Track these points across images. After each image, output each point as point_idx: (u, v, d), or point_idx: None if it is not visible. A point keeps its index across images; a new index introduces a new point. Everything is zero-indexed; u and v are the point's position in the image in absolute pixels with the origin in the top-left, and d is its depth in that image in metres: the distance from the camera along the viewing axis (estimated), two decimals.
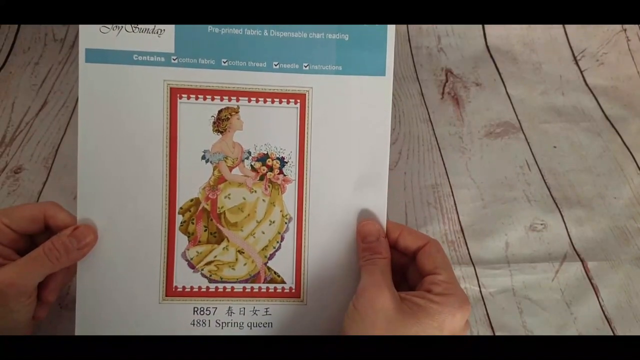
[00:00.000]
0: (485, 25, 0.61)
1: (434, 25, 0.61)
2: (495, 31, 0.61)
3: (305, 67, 0.37)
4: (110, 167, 0.35)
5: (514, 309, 0.42)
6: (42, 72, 0.56)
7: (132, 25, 0.36)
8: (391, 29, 0.38)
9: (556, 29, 0.62)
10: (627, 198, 0.49)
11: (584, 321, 0.41)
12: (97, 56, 0.35)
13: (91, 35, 0.35)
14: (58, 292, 0.36)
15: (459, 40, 0.60)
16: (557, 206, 0.48)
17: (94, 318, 0.35)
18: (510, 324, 0.41)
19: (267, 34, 0.37)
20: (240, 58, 0.37)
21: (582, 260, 0.44)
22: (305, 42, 0.37)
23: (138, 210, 0.36)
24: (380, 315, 0.31)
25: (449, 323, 0.31)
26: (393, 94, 0.55)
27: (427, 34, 0.61)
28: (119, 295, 0.35)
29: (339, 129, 0.37)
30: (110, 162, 0.35)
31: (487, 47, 0.60)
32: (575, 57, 0.60)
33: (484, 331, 0.41)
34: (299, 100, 0.37)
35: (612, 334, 0.41)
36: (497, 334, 0.41)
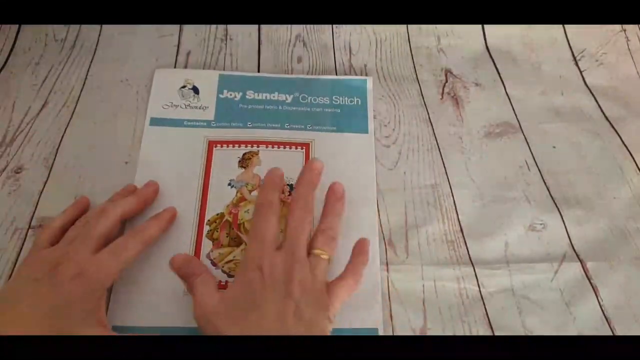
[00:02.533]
0: (485, 26, 0.61)
1: (434, 25, 0.61)
2: (495, 31, 0.61)
3: (309, 127, 0.50)
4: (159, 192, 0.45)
5: (513, 308, 0.42)
6: (43, 72, 0.56)
7: (186, 104, 0.51)
8: (370, 104, 0.52)
9: (556, 29, 0.62)
10: (626, 198, 0.49)
11: (583, 321, 0.41)
12: (158, 122, 0.50)
13: (156, 108, 0.50)
14: None
15: (458, 40, 0.60)
16: (557, 206, 0.48)
17: (126, 304, 0.40)
18: (510, 324, 0.41)
19: (281, 108, 0.51)
20: (261, 122, 0.50)
21: (581, 261, 0.45)
22: (308, 113, 0.51)
23: (176, 222, 0.44)
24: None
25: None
26: (392, 95, 0.55)
27: (427, 34, 0.61)
28: (150, 286, 0.41)
29: (334, 165, 0.46)
30: (160, 189, 0.45)
31: (487, 47, 0.60)
32: (574, 57, 0.60)
33: (484, 331, 0.41)
34: (304, 147, 0.49)
35: (611, 334, 0.41)
36: (496, 333, 0.41)
